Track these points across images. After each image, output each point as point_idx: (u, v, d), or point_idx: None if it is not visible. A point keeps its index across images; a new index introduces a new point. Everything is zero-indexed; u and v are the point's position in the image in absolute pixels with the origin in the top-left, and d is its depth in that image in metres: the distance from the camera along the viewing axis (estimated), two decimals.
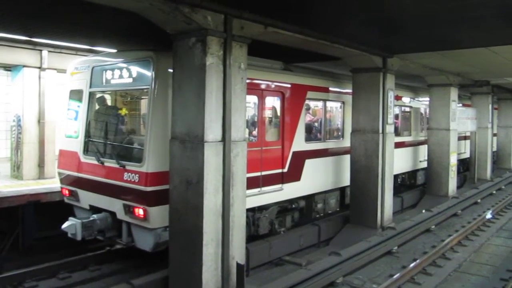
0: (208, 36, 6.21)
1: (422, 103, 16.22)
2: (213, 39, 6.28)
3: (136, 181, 7.31)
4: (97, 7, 5.86)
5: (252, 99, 8.92)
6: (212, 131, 6.34)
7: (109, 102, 9.11)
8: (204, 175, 6.24)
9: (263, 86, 9.08)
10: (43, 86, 12.28)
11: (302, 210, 10.55)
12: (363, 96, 10.82)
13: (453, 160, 14.96)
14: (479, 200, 14.40)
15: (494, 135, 21.39)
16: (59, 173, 9.10)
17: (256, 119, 9.02)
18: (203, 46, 6.23)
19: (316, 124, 11.29)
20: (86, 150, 8.47)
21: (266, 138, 9.26)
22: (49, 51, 12.11)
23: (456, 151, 15.45)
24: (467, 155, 19.37)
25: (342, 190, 11.73)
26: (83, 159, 8.45)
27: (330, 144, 11.17)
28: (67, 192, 8.84)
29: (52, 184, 10.93)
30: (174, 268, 6.83)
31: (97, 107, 8.73)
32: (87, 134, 8.51)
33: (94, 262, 8.69)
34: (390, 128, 11.04)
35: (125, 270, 8.47)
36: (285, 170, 9.56)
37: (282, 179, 9.47)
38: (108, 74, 8.25)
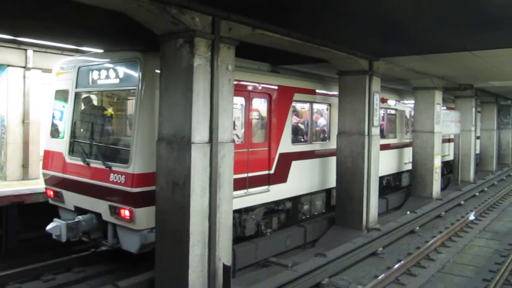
0: (196, 38, 6.21)
1: (407, 105, 16.41)
2: (201, 41, 6.28)
3: (122, 182, 7.27)
4: (84, 7, 5.82)
5: (239, 100, 8.94)
6: (199, 132, 6.34)
7: (95, 103, 9.04)
8: (191, 176, 6.23)
9: (250, 88, 9.10)
10: (27, 86, 12.15)
11: (289, 211, 10.59)
12: (349, 99, 10.91)
13: (437, 162, 15.15)
14: (462, 202, 14.59)
15: (477, 137, 21.73)
16: (44, 174, 9.00)
17: (243, 120, 9.04)
18: (190, 48, 6.23)
19: (302, 126, 11.35)
20: (71, 151, 8.39)
21: (253, 140, 9.28)
22: (34, 51, 11.99)
23: (440, 154, 15.65)
24: (451, 157, 19.62)
25: (328, 191, 11.80)
26: (68, 159, 8.38)
27: (316, 146, 11.25)
28: (51, 193, 8.75)
29: (36, 185, 10.82)
30: (160, 270, 6.80)
31: (83, 107, 8.66)
32: (73, 135, 8.44)
33: (78, 264, 8.59)
34: (375, 131, 11.15)
35: (111, 272, 8.39)
36: (272, 171, 9.59)
37: (268, 180, 9.50)
38: (95, 75, 8.20)
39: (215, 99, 6.45)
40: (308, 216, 11.25)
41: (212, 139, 6.46)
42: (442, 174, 16.91)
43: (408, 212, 12.60)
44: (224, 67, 6.66)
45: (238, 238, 8.96)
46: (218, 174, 6.60)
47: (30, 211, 9.69)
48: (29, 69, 12.08)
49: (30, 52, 11.95)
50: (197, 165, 6.31)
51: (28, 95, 12.18)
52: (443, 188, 17.19)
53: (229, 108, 6.86)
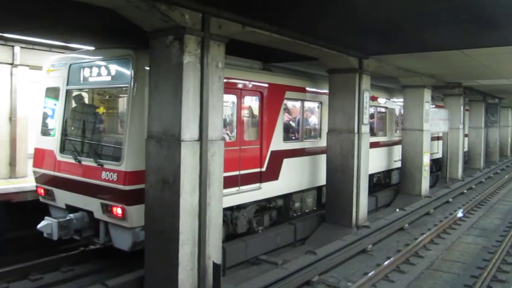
0: (186, 35, 6.19)
1: (397, 104, 16.50)
2: (191, 38, 6.26)
3: (115, 180, 7.23)
4: (73, 3, 5.76)
5: (231, 98, 8.93)
6: (189, 130, 6.32)
7: (86, 100, 8.97)
8: (180, 174, 6.22)
9: (241, 86, 9.09)
10: (15, 83, 11.98)
11: (280, 209, 10.61)
12: (339, 97, 10.94)
13: (426, 160, 15.27)
14: (450, 199, 14.73)
15: (466, 135, 21.93)
16: (35, 172, 8.91)
17: (234, 118, 9.03)
18: (180, 45, 6.20)
19: (294, 123, 11.36)
20: (62, 149, 8.33)
21: (245, 137, 9.28)
22: (21, 47, 11.81)
23: (429, 151, 15.77)
24: (439, 155, 19.79)
25: (319, 189, 11.83)
26: (60, 157, 8.31)
27: (307, 144, 11.26)
28: (42, 191, 8.68)
29: (24, 183, 10.69)
30: (149, 268, 6.78)
31: (74, 105, 8.59)
32: (64, 133, 8.37)
33: (67, 263, 8.50)
34: (365, 128, 11.20)
35: (100, 271, 8.32)
36: (263, 169, 9.59)
37: (260, 178, 9.51)
38: (86, 72, 8.13)
39: (205, 96, 6.44)
40: (299, 213, 11.27)
41: (202, 137, 6.44)
42: (431, 172, 17.03)
43: (397, 210, 12.68)
44: (214, 65, 6.64)
45: (230, 236, 8.96)
46: (208, 172, 6.59)
47: (18, 210, 9.58)
48: (16, 66, 11.89)
49: (17, 48, 11.77)
50: (187, 163, 6.29)
51: (16, 92, 12.00)
52: (432, 185, 17.33)
53: (219, 105, 6.84)
